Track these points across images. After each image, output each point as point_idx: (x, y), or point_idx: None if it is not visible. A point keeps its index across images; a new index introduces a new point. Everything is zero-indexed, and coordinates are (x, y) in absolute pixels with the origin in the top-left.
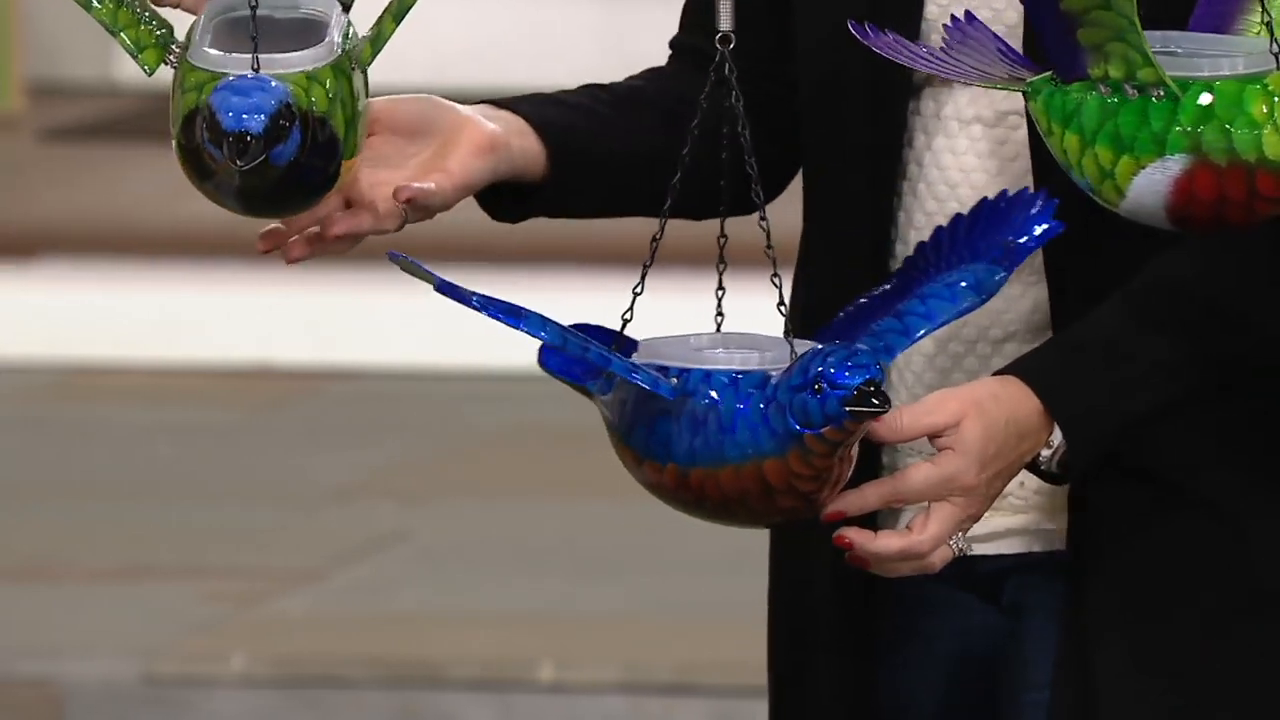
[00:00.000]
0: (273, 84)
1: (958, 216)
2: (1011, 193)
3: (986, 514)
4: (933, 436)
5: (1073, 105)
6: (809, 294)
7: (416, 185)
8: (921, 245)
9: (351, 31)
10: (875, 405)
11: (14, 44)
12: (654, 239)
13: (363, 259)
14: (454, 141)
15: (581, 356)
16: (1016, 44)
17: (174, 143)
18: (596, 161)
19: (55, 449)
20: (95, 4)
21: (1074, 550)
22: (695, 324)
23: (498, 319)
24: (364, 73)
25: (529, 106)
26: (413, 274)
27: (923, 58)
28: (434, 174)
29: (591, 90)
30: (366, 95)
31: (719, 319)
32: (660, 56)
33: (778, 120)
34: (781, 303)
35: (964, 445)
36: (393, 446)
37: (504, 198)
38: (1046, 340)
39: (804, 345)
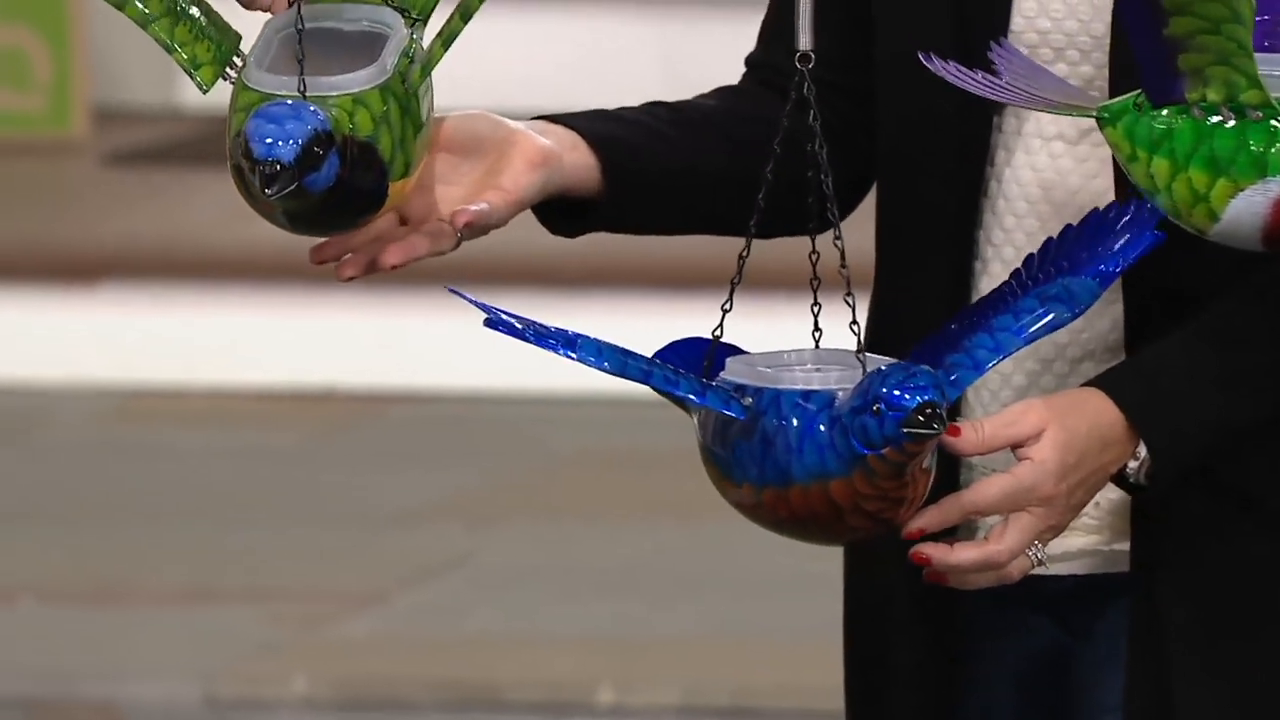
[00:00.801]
0: (309, 110)
1: (1069, 227)
2: (1112, 205)
3: (1063, 534)
4: (1014, 447)
5: (1162, 129)
6: (888, 311)
7: (473, 209)
8: (1028, 258)
9: (414, 48)
10: (933, 428)
11: (77, 69)
12: (741, 256)
13: (426, 281)
14: (507, 157)
15: (639, 379)
16: (1102, 56)
17: (228, 160)
18: (652, 177)
19: (119, 472)
20: (152, 22)
21: (1143, 568)
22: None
23: (553, 350)
24: (418, 94)
25: (583, 121)
26: (475, 306)
27: (988, 85)
28: (488, 192)
29: (652, 107)
30: (425, 115)
31: (816, 335)
32: (722, 78)
33: (851, 135)
34: (854, 321)
35: (1043, 455)
36: (457, 470)
37: (561, 212)
38: (1131, 356)
39: (881, 363)
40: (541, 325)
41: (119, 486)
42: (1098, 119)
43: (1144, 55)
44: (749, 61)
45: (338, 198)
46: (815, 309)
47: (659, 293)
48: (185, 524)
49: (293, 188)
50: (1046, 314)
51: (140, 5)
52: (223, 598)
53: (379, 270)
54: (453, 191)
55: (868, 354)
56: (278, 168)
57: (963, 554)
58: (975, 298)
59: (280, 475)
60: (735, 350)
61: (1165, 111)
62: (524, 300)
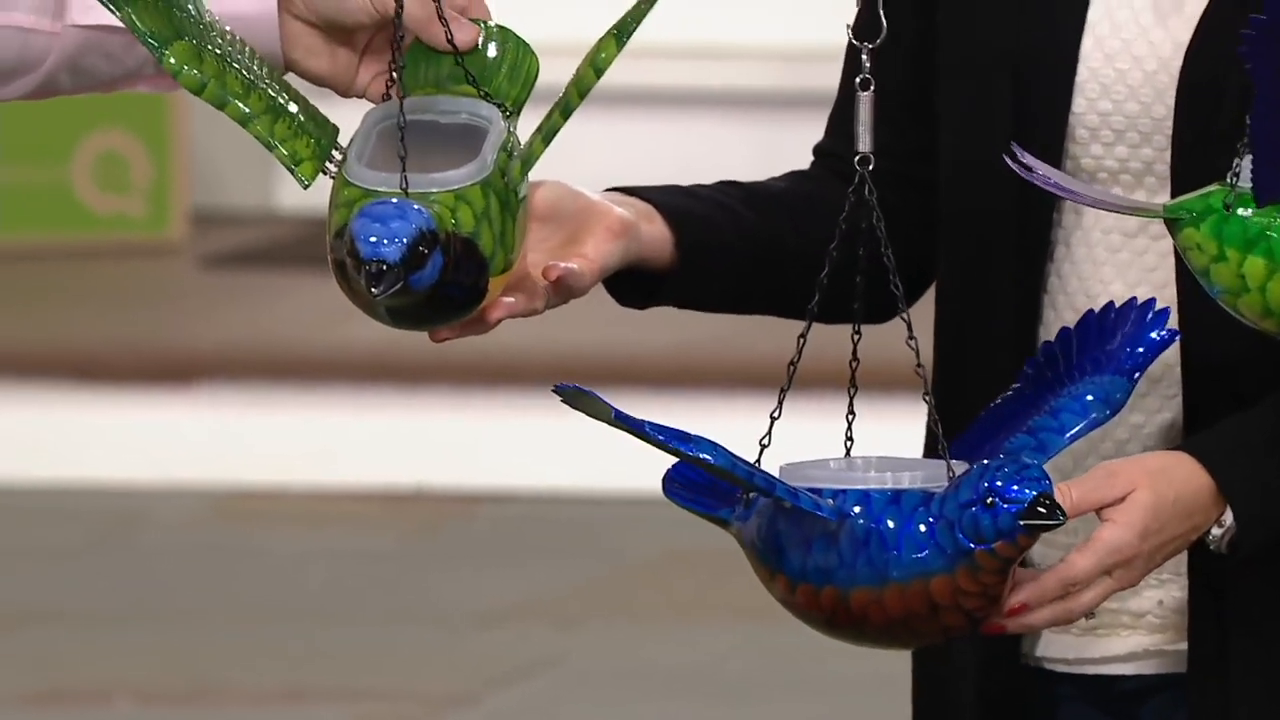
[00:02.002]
0: (414, 209)
1: (1067, 330)
2: (1121, 303)
3: (1125, 634)
4: (1099, 509)
5: (1258, 228)
6: (948, 407)
7: (562, 265)
8: (1040, 356)
9: (513, 141)
10: (1050, 518)
11: (176, 173)
12: (791, 363)
13: (516, 382)
14: (586, 226)
15: (738, 480)
16: (1163, 139)
17: (328, 254)
18: (723, 252)
19: (214, 573)
20: (252, 120)
21: (1203, 667)
22: (816, 449)
23: (669, 446)
24: (517, 189)
25: (657, 194)
26: (582, 407)
27: (1052, 184)
28: (573, 258)
29: (723, 185)
30: (522, 209)
31: (848, 443)
32: None
33: (913, 227)
34: (934, 421)
35: (1129, 518)
36: (546, 570)
37: (631, 284)
38: (1220, 423)
39: (959, 465)
40: (658, 424)
41: (214, 587)
42: (1172, 221)
43: (1265, 152)
44: (817, 150)
45: (440, 295)
46: (850, 417)
47: (730, 392)
48: (278, 624)
49: (398, 287)
50: (1089, 414)
51: (239, 104)
52: (315, 698)
53: (481, 328)
54: (534, 258)
55: (907, 458)
56: (384, 267)
57: (1042, 614)
58: None
59: (371, 576)
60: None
61: (1252, 211)
62: (618, 400)
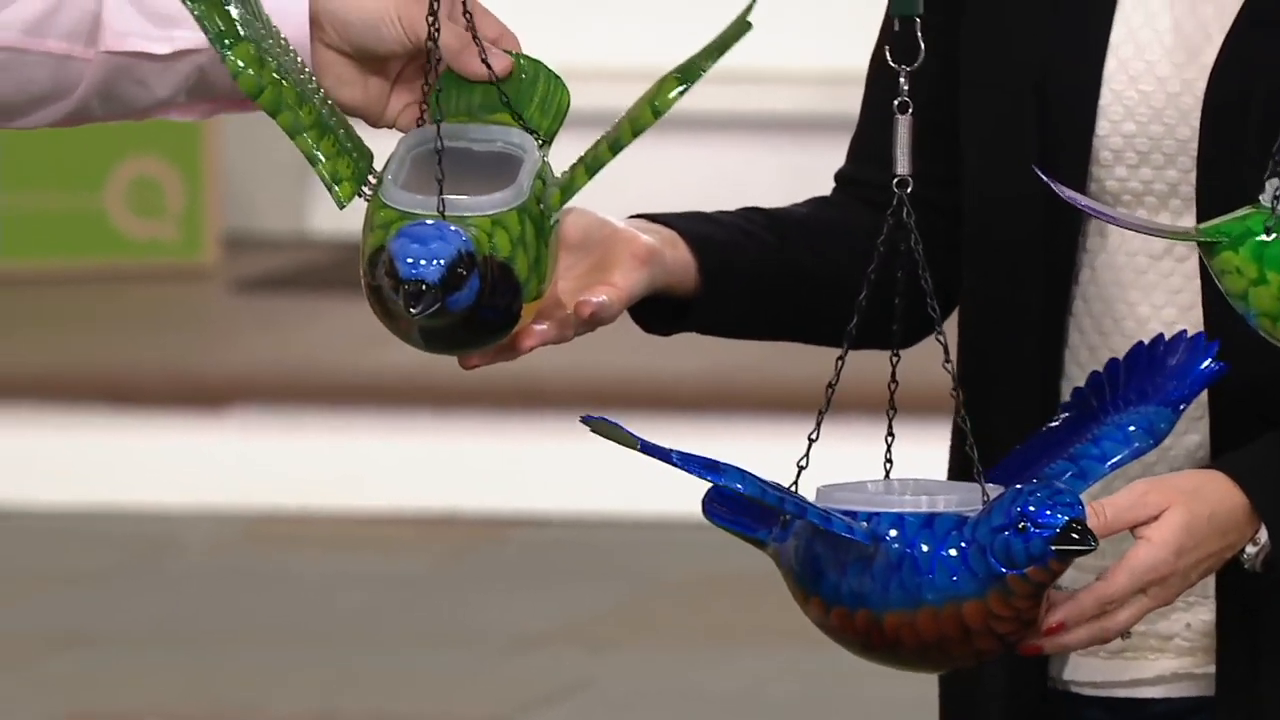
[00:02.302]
0: (452, 230)
1: (1115, 361)
2: (1171, 336)
3: (1153, 657)
4: (1134, 528)
5: None
6: (971, 429)
7: (595, 300)
8: (1086, 386)
9: (546, 169)
10: (1082, 544)
11: (208, 198)
12: (829, 385)
13: (547, 406)
14: (613, 254)
15: (769, 506)
16: (1188, 160)
17: (362, 281)
18: (747, 278)
19: (245, 597)
20: (301, 132)
21: (1229, 689)
22: (851, 472)
23: (697, 474)
24: (552, 215)
25: (680, 220)
26: (610, 437)
27: (1083, 205)
28: (601, 286)
29: (746, 211)
30: (555, 237)
31: (888, 465)
32: None
33: (937, 251)
34: (970, 445)
35: (1163, 536)
36: (578, 594)
37: (656, 311)
38: (1253, 442)
39: (994, 489)
40: (686, 453)
41: (245, 611)
42: (1208, 244)
43: None
44: (839, 177)
45: (476, 318)
46: (889, 439)
47: (759, 417)
48: (310, 648)
49: (436, 307)
50: (1131, 443)
51: (292, 113)
52: None
53: (511, 355)
54: (562, 285)
55: (944, 481)
56: (423, 288)
57: (1079, 634)
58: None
59: (403, 600)
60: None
61: None
62: (651, 427)
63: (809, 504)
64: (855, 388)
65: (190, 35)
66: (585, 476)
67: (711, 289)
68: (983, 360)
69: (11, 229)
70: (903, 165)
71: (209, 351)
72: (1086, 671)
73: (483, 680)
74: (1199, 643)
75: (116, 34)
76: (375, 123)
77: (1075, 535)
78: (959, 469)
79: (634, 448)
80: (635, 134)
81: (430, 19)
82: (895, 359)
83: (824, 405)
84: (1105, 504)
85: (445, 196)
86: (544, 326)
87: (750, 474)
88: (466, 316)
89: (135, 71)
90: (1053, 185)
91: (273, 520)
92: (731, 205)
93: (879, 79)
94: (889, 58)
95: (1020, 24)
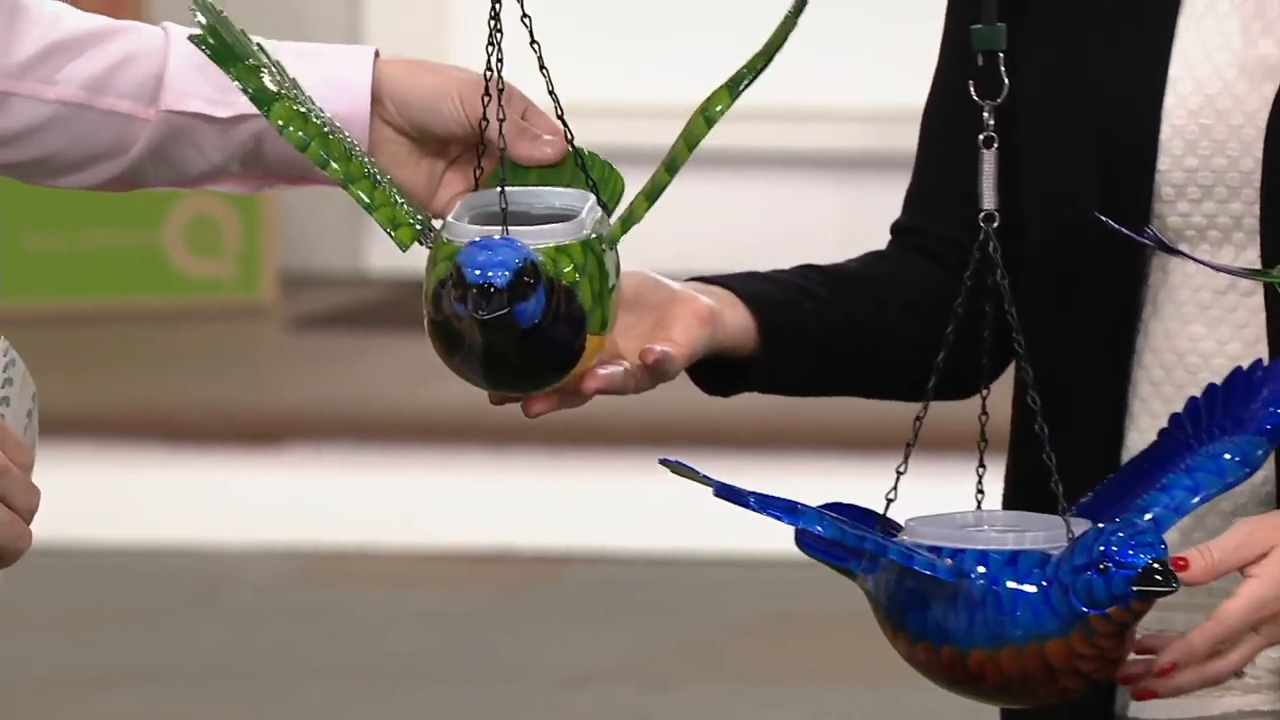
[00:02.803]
0: (519, 244)
1: (1211, 387)
2: (1257, 364)
3: (1219, 695)
4: (1241, 567)
5: None
6: (1029, 468)
7: (659, 348)
8: (1176, 416)
9: (605, 223)
10: (1164, 585)
11: (266, 236)
12: (917, 418)
13: (603, 443)
14: (672, 313)
15: (855, 544)
16: (1252, 193)
17: (425, 318)
18: (807, 337)
19: (300, 634)
20: (353, 183)
21: None
22: (943, 505)
23: (776, 518)
24: (615, 253)
25: (738, 281)
26: (688, 477)
27: (1152, 241)
28: (664, 342)
29: (804, 269)
30: (618, 276)
31: (979, 496)
32: None
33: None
34: (1056, 481)
35: (1272, 572)
36: (633, 632)
37: (715, 372)
38: None
39: (1079, 524)
40: (764, 495)
41: (301, 648)
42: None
43: None
44: (895, 229)
45: (540, 341)
46: (980, 470)
47: (819, 455)
48: (365, 685)
49: (504, 312)
50: (1224, 474)
51: (340, 165)
52: None
53: (575, 401)
54: (623, 344)
55: (1029, 514)
56: (491, 290)
57: (1191, 675)
58: (1124, 453)
59: (458, 637)
60: (881, 519)
61: None
62: (714, 464)
63: (891, 542)
64: (931, 423)
65: (249, 101)
66: (641, 514)
67: (771, 348)
68: (1044, 392)
69: (70, 266)
70: (989, 200)
71: (266, 388)
72: (1152, 709)
73: (537, 718)
74: (1266, 679)
75: (178, 94)
76: (424, 208)
77: (1157, 576)
78: (1018, 503)
79: (711, 490)
80: (690, 148)
81: (485, 97)
82: (986, 392)
83: (911, 438)
84: (1212, 545)
85: (510, 227)
86: (608, 370)
87: (830, 516)
88: (532, 337)
89: (193, 134)
90: (1114, 226)
91: (328, 557)
92: (787, 242)
93: (936, 123)
94: (973, 93)
95: (1077, 62)
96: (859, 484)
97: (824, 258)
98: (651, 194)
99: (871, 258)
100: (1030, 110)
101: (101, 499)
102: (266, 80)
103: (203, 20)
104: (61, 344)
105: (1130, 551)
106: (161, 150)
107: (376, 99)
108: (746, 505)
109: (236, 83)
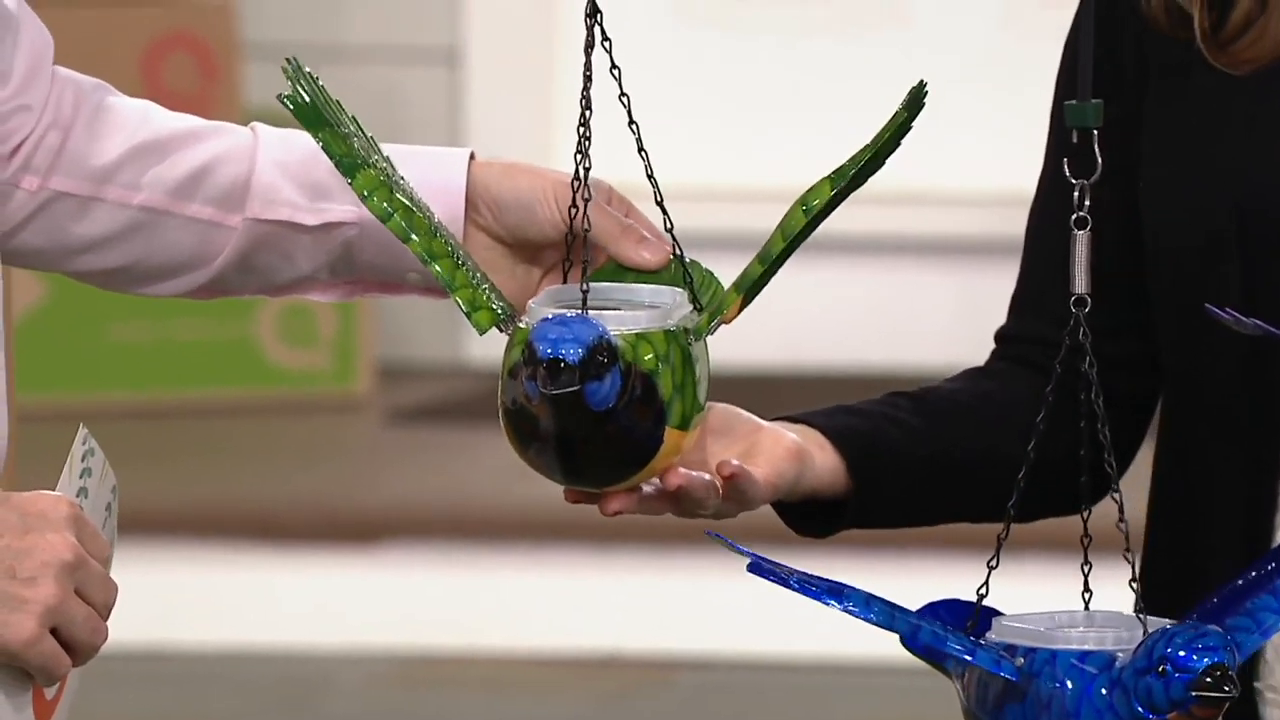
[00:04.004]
0: (595, 322)
1: None
2: None
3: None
4: None
5: None
6: (1168, 572)
7: (736, 463)
8: None
9: (693, 318)
10: (1223, 691)
11: (362, 325)
12: (1009, 508)
13: (714, 542)
14: (758, 445)
15: (914, 636)
16: None
17: (499, 408)
18: (899, 471)
19: None
20: (436, 260)
21: None
22: (1025, 604)
23: (818, 599)
24: (704, 348)
25: (823, 419)
26: (731, 549)
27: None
28: (749, 466)
29: (893, 397)
30: (706, 370)
31: (1086, 595)
32: None
33: (1124, 406)
34: (1134, 579)
35: None
36: None
37: (807, 514)
38: None
39: (1161, 624)
40: (807, 574)
41: None
42: None
43: None
44: (999, 336)
45: (615, 428)
46: (1085, 568)
47: (920, 554)
48: None
49: (574, 390)
50: None
51: (424, 241)
52: None
53: (660, 503)
54: (705, 468)
55: (1148, 615)
56: (561, 365)
57: None
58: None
59: None
60: (996, 613)
61: None
62: (791, 559)
63: (951, 634)
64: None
65: (341, 209)
66: (753, 616)
67: (863, 487)
68: (1183, 510)
69: (162, 359)
70: (1081, 284)
71: (361, 484)
72: None
73: None
74: None
75: (265, 201)
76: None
77: (1216, 680)
78: (1158, 607)
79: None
80: (787, 240)
81: (580, 198)
82: (1086, 514)
83: (1003, 531)
84: None
85: (590, 311)
86: (691, 472)
87: (878, 599)
88: (606, 422)
89: (280, 243)
90: (1235, 320)
91: (427, 661)
92: (898, 332)
93: (1040, 217)
94: (1066, 171)
95: (1210, 145)
96: (955, 582)
97: (937, 348)
98: (742, 285)
99: (969, 376)
100: (1158, 207)
101: (190, 600)
102: (355, 146)
103: (292, 80)
104: (149, 438)
105: (1190, 655)
106: (247, 260)
107: (471, 203)
108: (788, 585)
109: (322, 147)
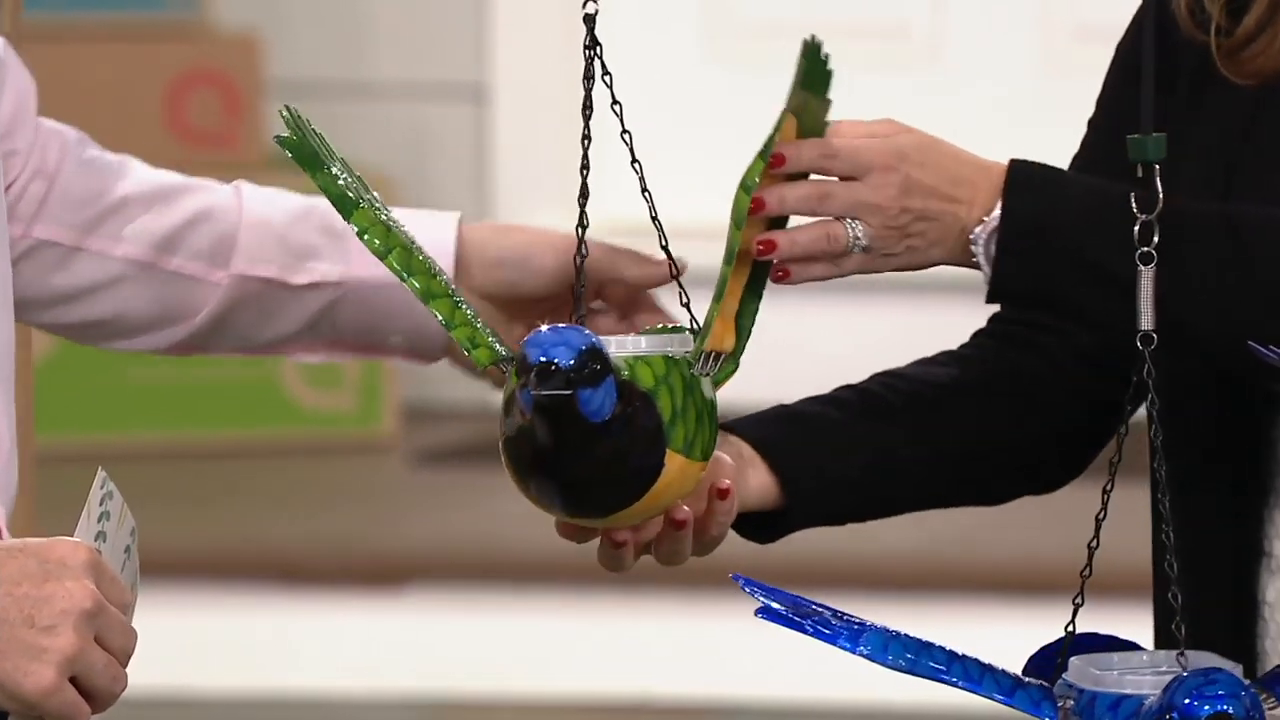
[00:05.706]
0: (590, 333)
1: None
2: None
3: None
4: None
5: None
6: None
7: (727, 482)
8: None
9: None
10: None
11: (388, 368)
12: (1090, 546)
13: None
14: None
15: (940, 679)
16: None
17: (499, 444)
18: (833, 480)
19: None
20: (434, 300)
21: None
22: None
23: (831, 642)
24: (708, 378)
25: (754, 429)
26: (751, 593)
27: None
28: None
29: (836, 393)
30: (712, 401)
31: (1069, 628)
32: None
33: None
34: (1177, 624)
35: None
36: None
37: (752, 523)
38: None
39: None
40: (828, 616)
41: None
42: None
43: None
44: (993, 320)
45: (610, 447)
46: (1077, 599)
47: (1000, 598)
48: None
49: (566, 394)
50: None
51: (423, 280)
52: None
53: (673, 551)
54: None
55: (1206, 654)
56: (552, 367)
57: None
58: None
59: None
60: (1136, 648)
61: None
62: (859, 606)
63: (988, 673)
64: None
65: (326, 268)
66: (788, 661)
67: (796, 498)
68: (1176, 545)
69: (185, 401)
70: (1147, 320)
71: (386, 527)
72: None
73: None
74: None
75: (250, 259)
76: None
77: None
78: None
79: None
80: (739, 226)
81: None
82: (1094, 544)
83: (1085, 569)
84: None
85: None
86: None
87: (902, 639)
88: (601, 437)
89: (263, 300)
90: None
91: (453, 706)
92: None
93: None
94: (1134, 206)
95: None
96: (1035, 626)
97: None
98: (718, 295)
99: (945, 358)
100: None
101: (212, 644)
102: (354, 189)
103: (290, 125)
104: (172, 480)
105: (1194, 702)
106: (228, 317)
107: (462, 266)
108: (803, 630)
109: (320, 187)
